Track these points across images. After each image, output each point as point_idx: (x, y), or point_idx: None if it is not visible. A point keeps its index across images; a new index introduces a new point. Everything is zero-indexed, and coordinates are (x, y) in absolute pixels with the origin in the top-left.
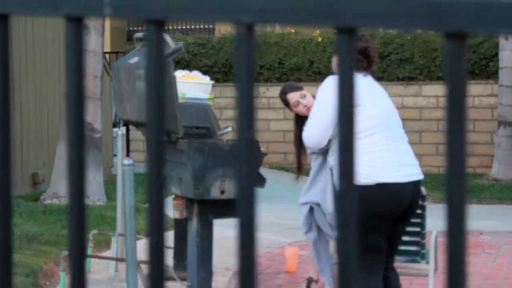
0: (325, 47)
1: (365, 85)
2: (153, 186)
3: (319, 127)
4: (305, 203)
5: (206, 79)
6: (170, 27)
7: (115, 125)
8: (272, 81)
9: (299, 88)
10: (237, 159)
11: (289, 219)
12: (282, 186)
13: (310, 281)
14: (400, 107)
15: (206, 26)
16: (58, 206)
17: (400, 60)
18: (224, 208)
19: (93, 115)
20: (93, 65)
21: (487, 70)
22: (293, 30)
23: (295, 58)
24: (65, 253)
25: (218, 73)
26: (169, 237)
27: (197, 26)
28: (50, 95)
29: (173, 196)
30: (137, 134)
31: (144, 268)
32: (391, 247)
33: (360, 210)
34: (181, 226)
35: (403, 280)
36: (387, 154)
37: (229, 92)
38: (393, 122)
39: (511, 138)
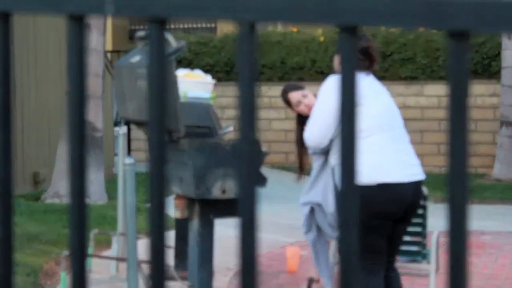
0: (327, 46)
1: (367, 84)
2: (155, 186)
3: (320, 127)
4: (306, 203)
5: (208, 78)
6: (172, 26)
7: (116, 124)
8: (274, 81)
9: (300, 88)
10: (238, 159)
11: (290, 219)
12: (283, 186)
13: (311, 281)
14: (402, 107)
15: (208, 25)
16: (59, 206)
17: (403, 60)
18: (225, 208)
19: (95, 114)
20: (94, 64)
21: (489, 69)
22: (295, 29)
23: (297, 58)
24: (66, 252)
25: (220, 72)
26: (170, 236)
27: (199, 25)
28: (51, 94)
29: (174, 196)
30: (138, 133)
31: (145, 268)
32: (392, 247)
33: (361, 210)
34: (182, 226)
35: (404, 280)
36: (389, 154)
37: (231, 91)
38: (395, 122)
39: None
